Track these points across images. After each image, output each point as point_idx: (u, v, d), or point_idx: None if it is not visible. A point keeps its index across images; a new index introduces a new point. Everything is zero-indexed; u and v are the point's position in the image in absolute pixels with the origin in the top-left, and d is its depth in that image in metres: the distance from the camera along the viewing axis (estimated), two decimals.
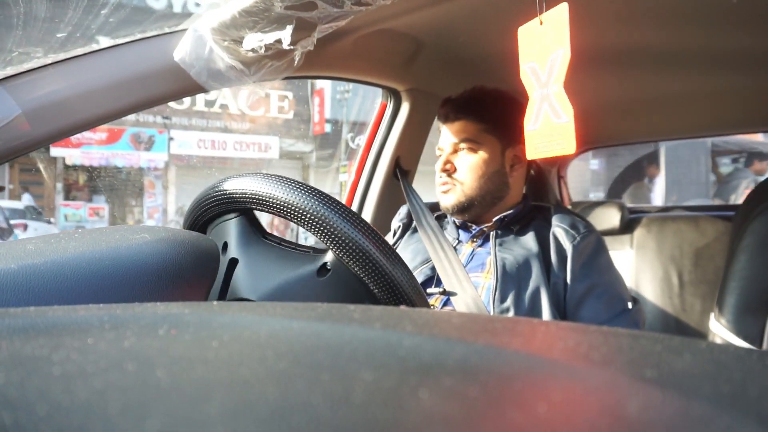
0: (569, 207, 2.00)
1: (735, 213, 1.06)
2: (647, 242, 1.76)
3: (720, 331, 1.00)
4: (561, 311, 0.96)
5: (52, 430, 0.13)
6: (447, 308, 0.97)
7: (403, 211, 1.23)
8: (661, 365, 0.19)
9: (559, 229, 1.02)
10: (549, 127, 0.61)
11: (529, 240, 1.02)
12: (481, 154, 1.06)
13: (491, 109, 1.09)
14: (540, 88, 0.61)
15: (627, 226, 1.81)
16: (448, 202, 1.07)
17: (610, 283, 0.98)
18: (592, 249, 1.01)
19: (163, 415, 0.14)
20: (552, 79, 0.59)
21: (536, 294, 0.95)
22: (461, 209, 1.07)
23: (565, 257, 0.98)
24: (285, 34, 0.71)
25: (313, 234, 0.51)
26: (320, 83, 9.03)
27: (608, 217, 1.80)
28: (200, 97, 8.42)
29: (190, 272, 0.43)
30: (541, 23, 0.59)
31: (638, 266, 1.75)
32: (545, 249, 1.01)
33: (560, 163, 2.18)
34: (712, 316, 1.04)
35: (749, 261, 0.98)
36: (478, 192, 1.05)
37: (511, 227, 1.06)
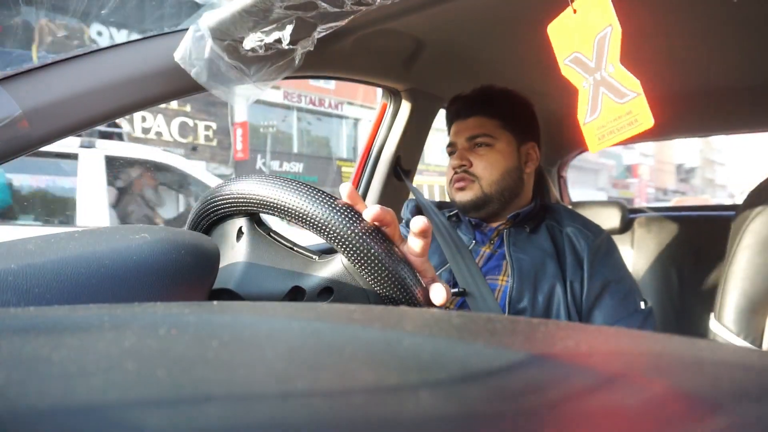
0: (570, 206, 2.00)
1: (735, 213, 1.06)
2: (647, 242, 1.76)
3: (720, 330, 1.00)
4: (578, 310, 0.96)
5: (52, 430, 0.13)
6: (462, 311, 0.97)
7: (411, 203, 1.21)
8: (661, 365, 0.19)
9: (572, 229, 1.02)
10: (613, 111, 0.57)
11: (543, 240, 1.02)
12: (499, 149, 1.05)
13: (504, 105, 1.09)
14: (591, 75, 0.58)
15: (627, 226, 1.81)
16: (465, 198, 1.05)
17: (624, 281, 0.98)
18: (606, 248, 1.01)
19: (163, 415, 0.14)
20: (605, 60, 0.56)
21: (552, 294, 0.95)
22: (478, 206, 1.05)
23: (581, 257, 0.98)
24: (285, 34, 0.71)
25: (319, 236, 0.50)
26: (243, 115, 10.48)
27: (608, 217, 1.80)
28: (138, 125, 9.62)
29: (190, 272, 0.43)
30: (575, 11, 0.57)
31: (638, 266, 1.75)
32: (559, 249, 1.00)
33: (560, 163, 2.18)
34: (712, 315, 1.04)
35: (749, 261, 0.98)
36: (495, 188, 1.04)
37: (524, 226, 1.05)
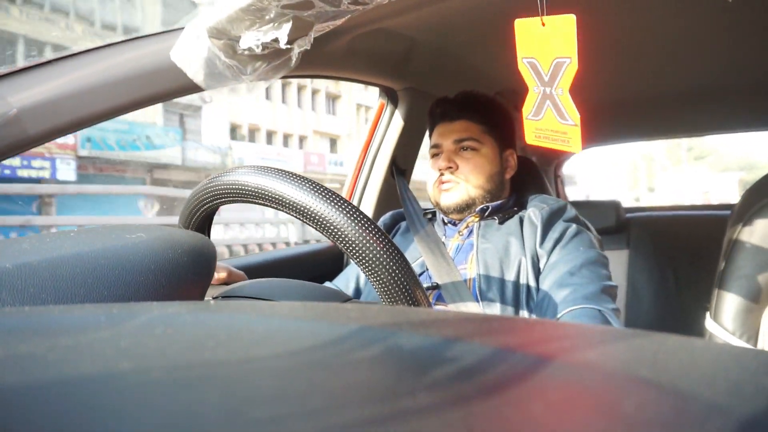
0: None
1: (731, 212, 1.06)
2: (643, 241, 1.76)
3: (716, 330, 1.00)
4: (539, 287, 0.97)
5: (49, 431, 0.13)
6: (440, 303, 0.98)
7: (386, 215, 1.24)
8: (657, 364, 0.19)
9: (531, 209, 1.05)
10: (553, 124, 0.61)
11: (510, 226, 1.04)
12: (484, 154, 1.08)
13: (490, 111, 1.12)
14: (542, 86, 0.61)
15: (623, 226, 1.81)
16: (450, 200, 1.07)
17: (574, 238, 0.98)
18: (559, 214, 1.03)
19: (159, 414, 0.14)
20: (557, 82, 0.59)
21: (518, 278, 0.97)
22: (462, 208, 1.07)
23: (536, 226, 1.00)
24: (282, 33, 0.71)
25: (319, 231, 0.50)
26: None
27: (604, 217, 1.80)
28: None
29: (186, 271, 0.42)
30: (543, 24, 0.59)
31: (634, 266, 1.75)
32: (523, 229, 1.03)
33: (557, 163, 2.19)
34: (707, 315, 1.05)
35: (745, 260, 0.98)
36: (480, 191, 1.07)
37: (494, 218, 1.07)
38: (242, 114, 16.87)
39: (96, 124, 0.76)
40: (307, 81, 18.54)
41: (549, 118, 0.61)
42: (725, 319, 0.99)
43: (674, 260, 1.69)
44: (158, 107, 13.54)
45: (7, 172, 10.83)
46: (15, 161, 11.05)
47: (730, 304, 0.99)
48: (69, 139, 11.99)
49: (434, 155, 1.12)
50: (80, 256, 0.38)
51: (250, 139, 17.66)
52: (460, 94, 1.13)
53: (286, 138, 19.13)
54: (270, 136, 18.35)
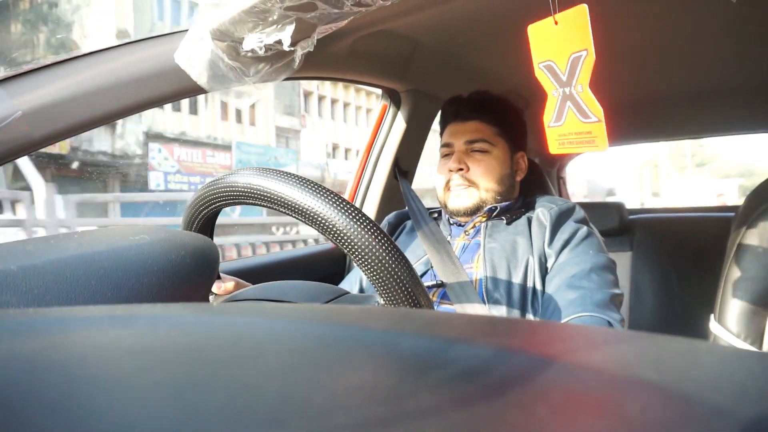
0: None
1: (735, 214, 1.06)
2: (647, 243, 1.75)
3: (720, 332, 1.00)
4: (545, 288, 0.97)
5: None
6: (446, 302, 0.98)
7: (392, 214, 1.24)
8: (661, 366, 0.19)
9: (539, 208, 1.04)
10: (576, 126, 0.59)
11: (518, 226, 1.04)
12: (496, 156, 1.07)
13: (503, 113, 1.10)
14: (561, 87, 0.60)
15: (626, 228, 1.81)
16: (460, 204, 1.06)
17: (583, 241, 0.98)
18: (568, 214, 1.02)
19: (162, 416, 0.14)
20: (576, 79, 0.58)
21: (525, 278, 0.96)
22: (472, 212, 1.06)
23: (545, 226, 1.00)
24: (285, 35, 0.71)
25: (320, 232, 0.50)
26: None
27: (608, 218, 1.80)
28: None
29: (189, 273, 0.43)
30: (556, 23, 0.58)
31: (638, 267, 1.74)
32: (531, 228, 1.02)
33: (559, 165, 2.19)
34: (712, 317, 1.04)
35: (750, 262, 0.98)
36: (491, 194, 1.06)
37: (501, 218, 1.07)
38: (326, 134, 20.24)
39: (100, 126, 0.76)
40: (372, 104, 21.68)
41: (571, 121, 0.60)
42: (730, 322, 0.99)
43: (678, 262, 1.69)
44: (272, 133, 17.03)
45: (192, 186, 13.05)
46: (195, 179, 13.43)
47: (734, 306, 0.99)
48: (227, 161, 14.63)
49: (445, 154, 1.11)
50: (84, 258, 0.38)
51: (333, 156, 20.70)
52: (473, 93, 1.12)
53: (358, 153, 21.39)
54: (346, 152, 21.56)
